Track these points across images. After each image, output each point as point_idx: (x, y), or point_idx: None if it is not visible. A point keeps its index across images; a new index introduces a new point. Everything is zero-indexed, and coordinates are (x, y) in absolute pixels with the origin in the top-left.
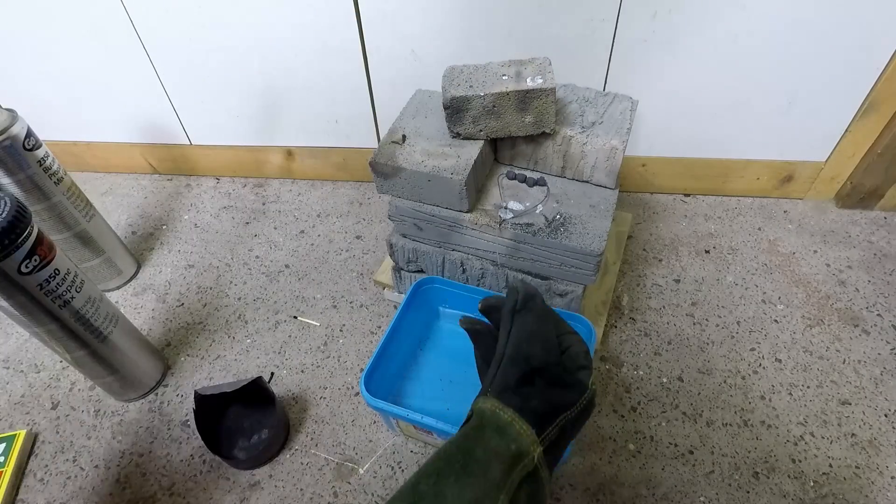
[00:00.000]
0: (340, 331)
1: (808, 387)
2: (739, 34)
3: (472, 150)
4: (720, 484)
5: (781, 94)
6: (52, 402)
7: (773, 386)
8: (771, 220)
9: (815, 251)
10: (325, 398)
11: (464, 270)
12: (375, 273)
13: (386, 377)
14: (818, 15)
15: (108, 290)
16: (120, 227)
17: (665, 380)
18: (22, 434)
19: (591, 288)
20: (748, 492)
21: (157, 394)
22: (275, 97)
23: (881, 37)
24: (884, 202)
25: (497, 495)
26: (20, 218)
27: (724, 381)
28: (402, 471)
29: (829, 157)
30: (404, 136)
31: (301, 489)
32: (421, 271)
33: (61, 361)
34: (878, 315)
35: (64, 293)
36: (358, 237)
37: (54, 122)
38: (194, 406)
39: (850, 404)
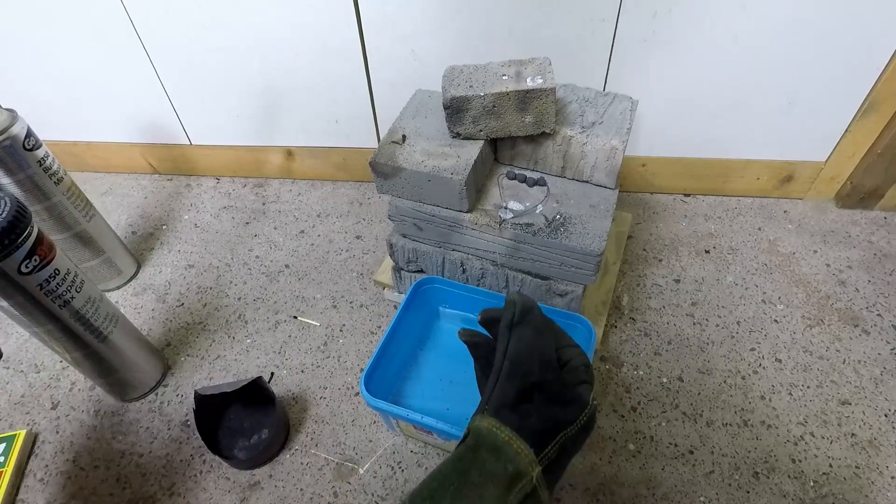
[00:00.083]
0: (340, 331)
1: (808, 387)
2: (739, 34)
3: (472, 150)
4: (720, 484)
5: (781, 94)
6: (52, 402)
7: (773, 386)
8: (771, 220)
9: (815, 251)
10: (325, 398)
11: (464, 270)
12: (375, 273)
13: (386, 377)
14: (818, 15)
15: (108, 290)
16: (120, 227)
17: (665, 380)
18: (22, 434)
19: (591, 288)
20: (748, 492)
21: (157, 394)
22: (275, 97)
23: (881, 37)
24: (884, 202)
25: None
26: (20, 218)
27: (724, 381)
28: (402, 471)
29: (829, 157)
30: (404, 136)
31: (301, 489)
32: (421, 271)
33: (61, 361)
34: (878, 315)
35: (64, 293)
36: (358, 237)
37: (54, 122)
38: (194, 406)
39: (850, 404)
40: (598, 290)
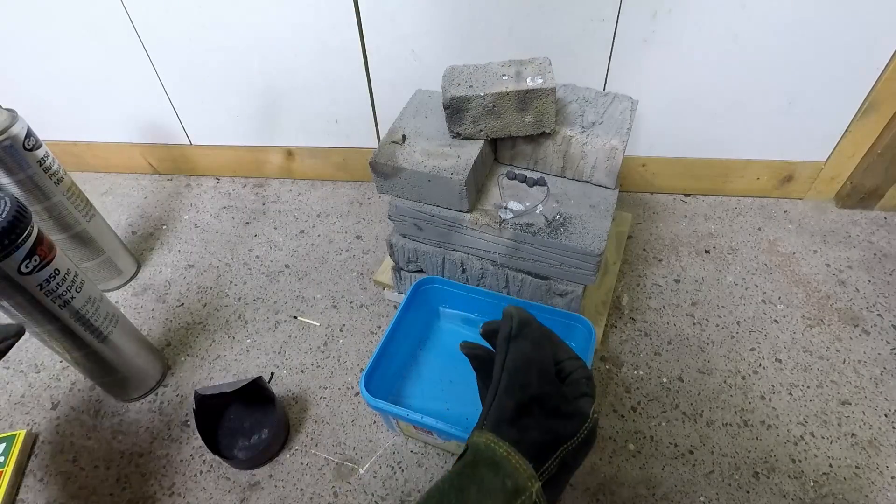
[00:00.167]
0: (340, 331)
1: (808, 387)
2: (739, 34)
3: (472, 150)
4: (720, 484)
5: (781, 94)
6: (52, 402)
7: (773, 386)
8: (771, 220)
9: (815, 251)
10: (325, 398)
11: (464, 270)
12: (375, 273)
13: (386, 377)
14: (818, 15)
15: (108, 290)
16: (120, 227)
17: (665, 380)
18: (22, 434)
19: (591, 288)
20: (748, 492)
21: (157, 394)
22: (275, 97)
23: (881, 37)
24: (884, 202)
25: None
26: (20, 218)
27: (724, 381)
28: (402, 471)
29: (829, 157)
30: (404, 136)
31: (301, 489)
32: (421, 271)
33: (61, 361)
34: (878, 315)
35: (64, 293)
36: (358, 237)
37: (54, 122)
38: (194, 406)
39: (850, 404)
40: (598, 290)
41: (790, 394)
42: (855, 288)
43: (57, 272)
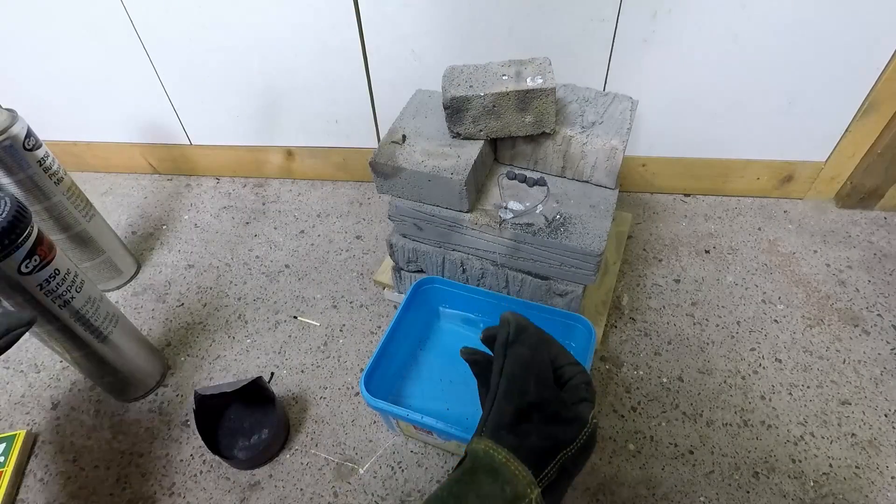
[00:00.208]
0: (340, 331)
1: (808, 387)
2: (739, 34)
3: (472, 150)
4: (720, 484)
5: (781, 94)
6: (52, 402)
7: (773, 386)
8: (771, 220)
9: (815, 251)
10: (325, 398)
11: (464, 270)
12: (375, 273)
13: (386, 377)
14: (818, 15)
15: (108, 290)
16: (120, 227)
17: (665, 380)
18: (22, 434)
19: (591, 288)
20: (748, 492)
21: (157, 394)
22: (275, 97)
23: (881, 37)
24: (884, 202)
25: None
26: (20, 218)
27: (724, 381)
28: (402, 471)
29: (829, 157)
30: (404, 136)
31: (301, 489)
32: (421, 271)
33: (61, 361)
34: (878, 315)
35: (64, 293)
36: (358, 237)
37: (54, 122)
38: (194, 406)
39: (850, 404)
40: (598, 290)
41: (790, 394)
42: (855, 288)
43: (57, 272)
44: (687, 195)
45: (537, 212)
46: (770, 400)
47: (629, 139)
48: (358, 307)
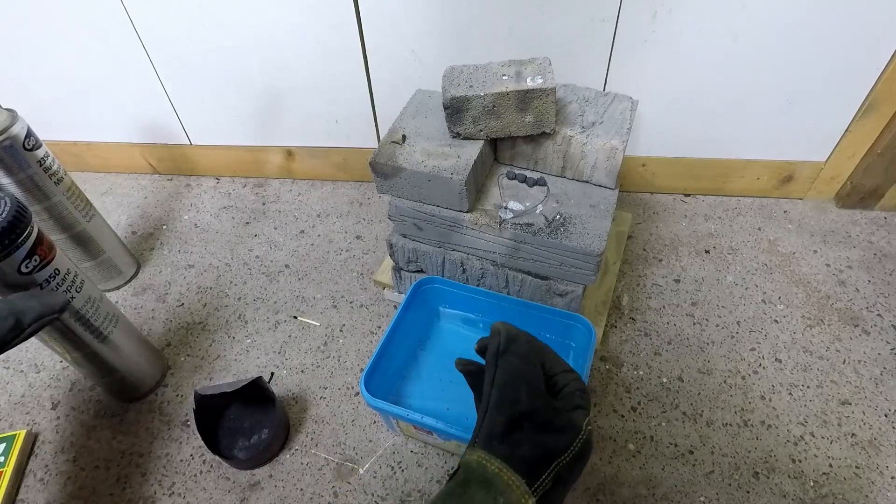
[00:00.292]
0: (340, 331)
1: (808, 387)
2: (739, 34)
3: (472, 150)
4: (720, 484)
5: (781, 94)
6: (52, 402)
7: (773, 386)
8: (771, 220)
9: (815, 251)
10: (325, 398)
11: (464, 270)
12: (375, 273)
13: (386, 377)
14: (818, 15)
15: (108, 290)
16: (120, 227)
17: (665, 380)
18: (22, 434)
19: (591, 288)
20: (748, 492)
21: (157, 394)
22: (275, 97)
23: (881, 37)
24: (884, 202)
25: None
26: (20, 218)
27: (724, 381)
28: (402, 471)
29: (829, 157)
30: (404, 136)
31: (301, 489)
32: (421, 271)
33: (61, 361)
34: (878, 315)
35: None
36: (358, 237)
37: (54, 122)
38: (194, 406)
39: (850, 404)
40: (598, 290)
41: (790, 394)
42: (855, 288)
43: (57, 272)
44: (687, 195)
45: (537, 212)
46: (770, 400)
47: (629, 139)
48: (358, 307)
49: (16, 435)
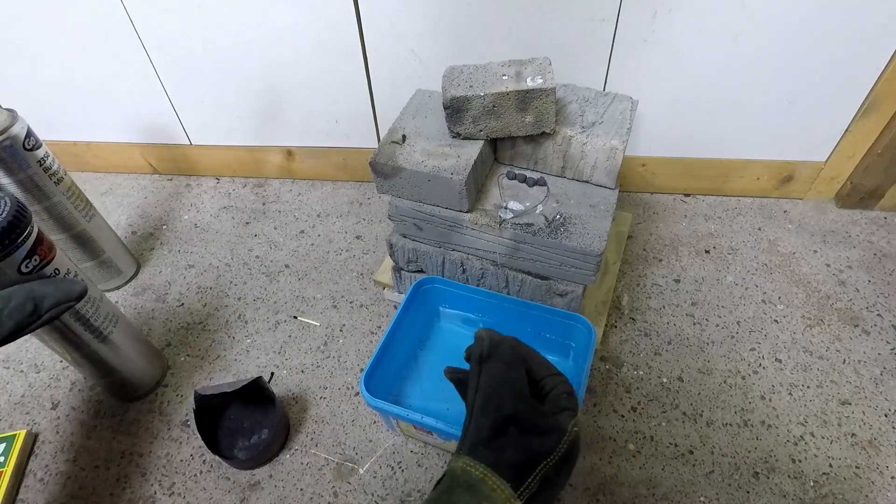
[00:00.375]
0: (340, 331)
1: (808, 387)
2: (739, 34)
3: (472, 150)
4: (720, 484)
5: (781, 94)
6: (52, 402)
7: (773, 386)
8: (771, 220)
9: (815, 251)
10: (325, 398)
11: (464, 270)
12: (375, 273)
13: (386, 377)
14: (818, 15)
15: (108, 290)
16: (120, 227)
17: (665, 380)
18: (22, 434)
19: (591, 288)
20: (748, 492)
21: (157, 394)
22: (274, 97)
23: (881, 37)
24: (884, 202)
25: None
26: (20, 218)
27: (724, 381)
28: (402, 471)
29: (829, 157)
30: (404, 136)
31: (301, 489)
32: (421, 271)
33: (61, 361)
34: (878, 315)
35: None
36: (358, 237)
37: (54, 122)
38: (194, 406)
39: (850, 404)
40: (598, 290)
41: (790, 394)
42: (855, 288)
43: (57, 272)
44: (687, 195)
45: (537, 212)
46: (770, 400)
47: (629, 139)
48: (358, 307)
49: (16, 435)
